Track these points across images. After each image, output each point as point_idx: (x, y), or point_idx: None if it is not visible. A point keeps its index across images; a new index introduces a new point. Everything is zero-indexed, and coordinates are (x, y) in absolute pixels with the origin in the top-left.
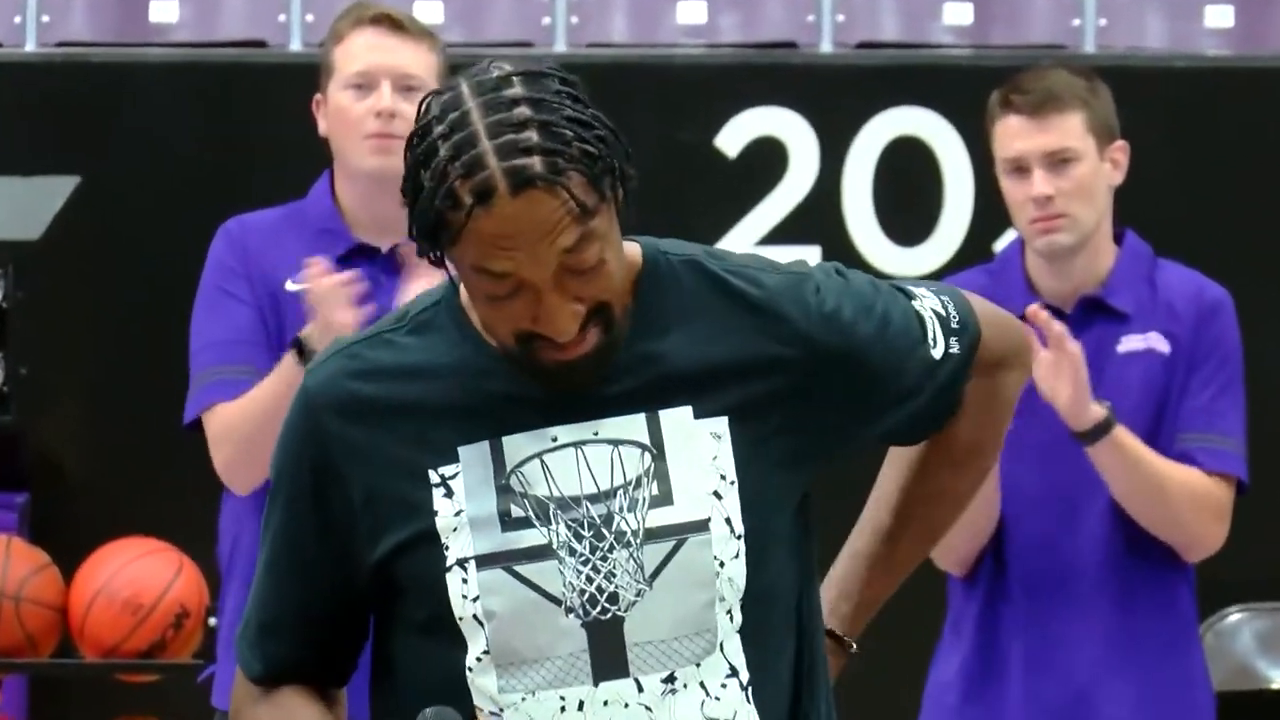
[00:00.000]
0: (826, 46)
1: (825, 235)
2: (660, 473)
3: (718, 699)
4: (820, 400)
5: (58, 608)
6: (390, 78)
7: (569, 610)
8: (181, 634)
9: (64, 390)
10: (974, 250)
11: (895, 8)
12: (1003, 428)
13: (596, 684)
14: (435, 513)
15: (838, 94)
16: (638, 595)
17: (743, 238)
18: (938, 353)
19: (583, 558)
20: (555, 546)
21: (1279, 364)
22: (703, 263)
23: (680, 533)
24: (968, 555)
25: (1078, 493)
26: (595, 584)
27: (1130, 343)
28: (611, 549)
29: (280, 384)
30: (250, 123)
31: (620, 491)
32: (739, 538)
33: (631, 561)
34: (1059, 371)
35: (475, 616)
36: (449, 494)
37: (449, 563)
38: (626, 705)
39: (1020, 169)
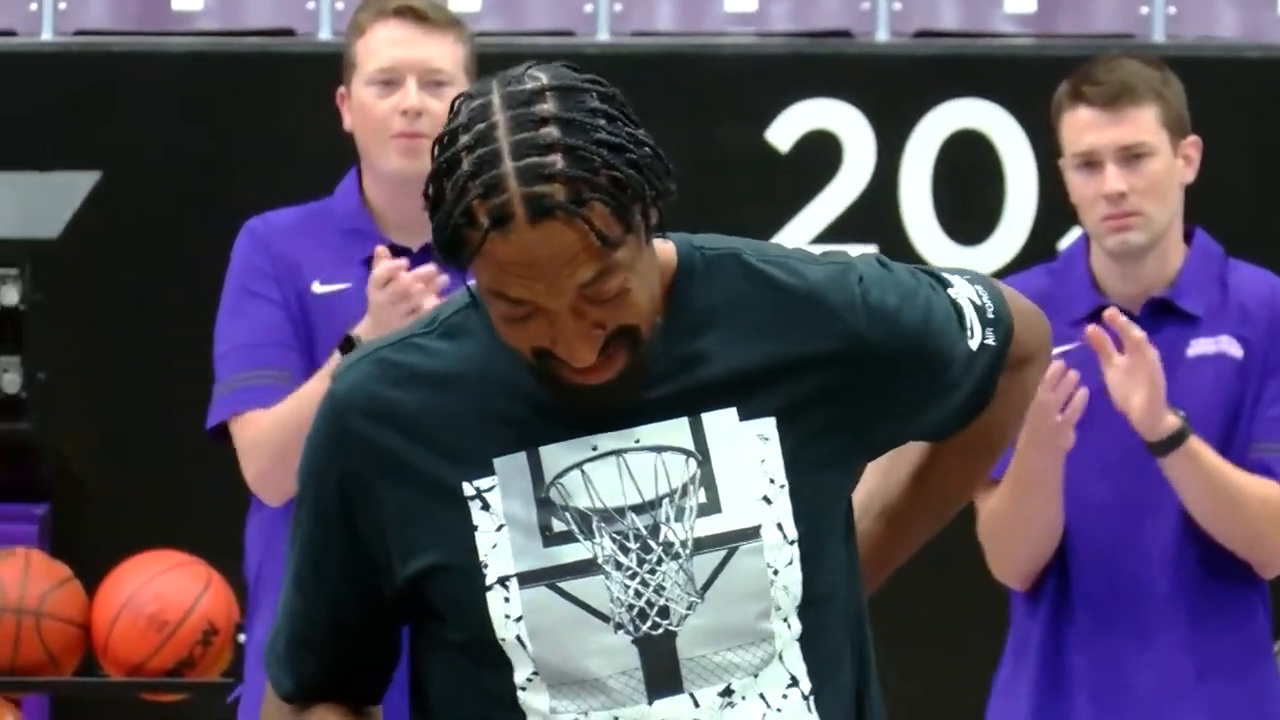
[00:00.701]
0: (883, 35)
1: (882, 233)
2: (707, 479)
3: (779, 710)
4: (867, 395)
5: (80, 624)
6: (415, 73)
7: (618, 626)
8: (210, 651)
9: (84, 396)
10: (1037, 249)
11: None
12: (1020, 419)
13: (651, 702)
14: (475, 528)
15: (894, 85)
16: (689, 608)
17: (795, 236)
18: (974, 344)
19: (630, 571)
20: (600, 561)
21: None
22: (742, 256)
23: (731, 541)
24: (1029, 570)
25: (1146, 506)
26: (644, 598)
27: (1201, 346)
28: (660, 561)
29: (313, 392)
30: (278, 115)
31: (666, 500)
32: (792, 543)
33: (681, 573)
34: (1134, 378)
35: (519, 638)
36: (486, 507)
37: (489, 582)
38: None
39: (1091, 164)
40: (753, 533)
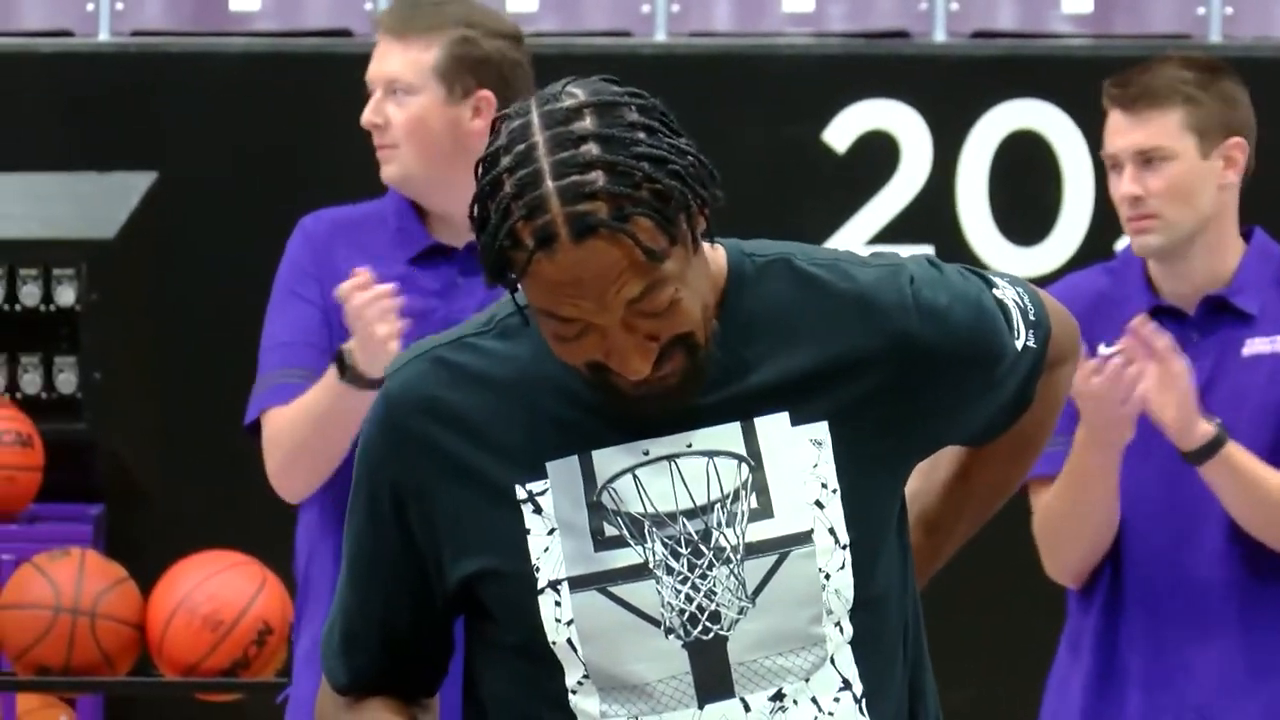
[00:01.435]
0: (940, 36)
1: (938, 234)
2: (759, 484)
3: (831, 714)
4: (919, 394)
5: (135, 624)
6: (381, 85)
7: (668, 631)
8: (264, 651)
9: (140, 397)
10: (1095, 250)
11: None
12: (1054, 419)
13: (702, 706)
14: (527, 531)
15: (951, 86)
16: (740, 613)
17: (852, 237)
18: (1020, 344)
19: (681, 576)
20: (652, 565)
21: None
22: (792, 261)
23: (782, 546)
24: (1084, 568)
25: (1199, 503)
26: (695, 603)
27: (1256, 345)
28: (711, 566)
29: (322, 396)
30: (335, 115)
31: (718, 506)
32: (844, 548)
33: (732, 578)
34: (1165, 387)
35: (570, 641)
36: (538, 511)
37: (540, 585)
38: None
39: (1116, 166)
40: (805, 537)
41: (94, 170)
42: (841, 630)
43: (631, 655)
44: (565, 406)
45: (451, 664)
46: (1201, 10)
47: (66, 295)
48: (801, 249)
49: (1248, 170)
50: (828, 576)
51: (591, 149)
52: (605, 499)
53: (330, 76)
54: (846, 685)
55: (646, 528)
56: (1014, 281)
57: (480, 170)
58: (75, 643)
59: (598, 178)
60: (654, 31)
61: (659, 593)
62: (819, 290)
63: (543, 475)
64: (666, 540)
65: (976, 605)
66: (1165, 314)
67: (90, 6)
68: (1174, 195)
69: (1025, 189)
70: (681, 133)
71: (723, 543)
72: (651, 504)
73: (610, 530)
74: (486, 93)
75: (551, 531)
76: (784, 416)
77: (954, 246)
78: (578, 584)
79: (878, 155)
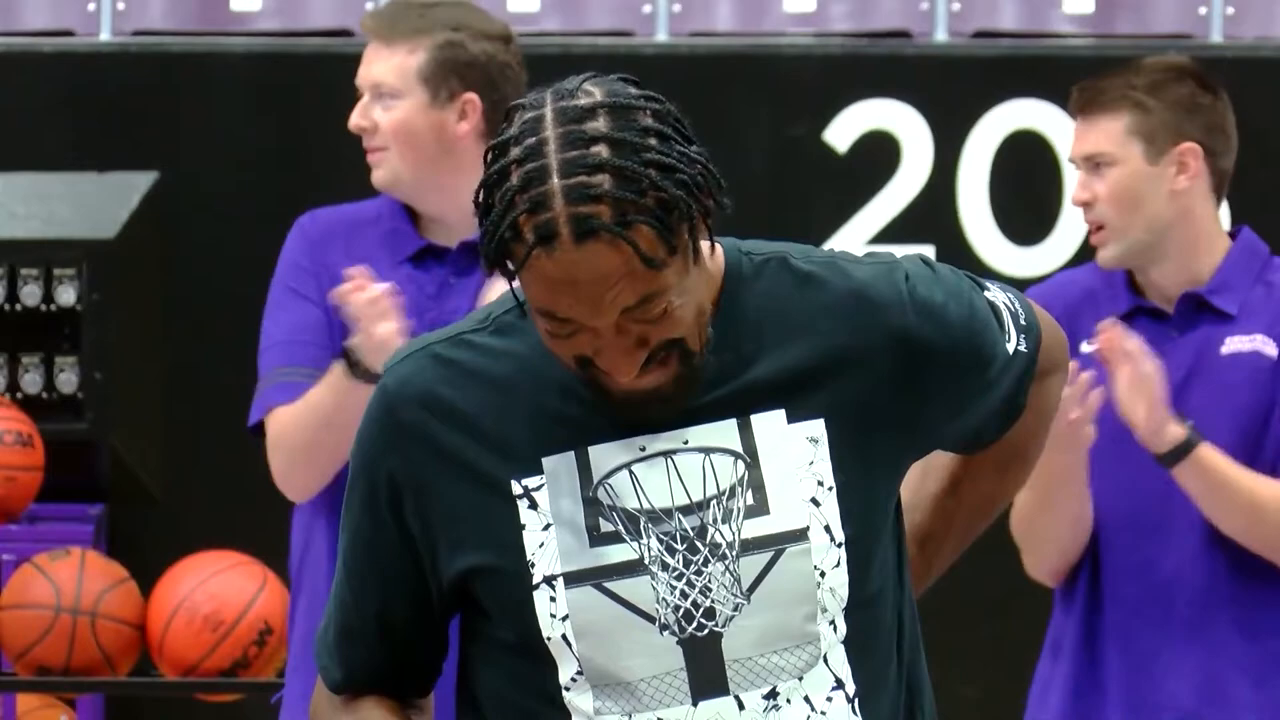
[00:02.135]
0: (941, 36)
1: (939, 233)
2: (755, 481)
3: (823, 713)
4: (914, 390)
5: (135, 624)
6: (367, 90)
7: (663, 627)
8: (265, 651)
9: (141, 397)
10: (1094, 249)
11: None
12: (1045, 431)
13: (696, 703)
14: (522, 526)
15: (953, 86)
16: (735, 610)
17: (853, 236)
18: (1011, 348)
19: (676, 572)
20: (647, 561)
21: None
22: (788, 259)
23: (778, 543)
24: (1059, 566)
25: (1174, 508)
26: (690, 599)
27: (1235, 344)
28: (706, 562)
29: (329, 393)
30: (336, 115)
31: (713, 502)
32: (839, 546)
33: (728, 575)
34: (1136, 389)
35: (564, 637)
36: (533, 506)
37: (535, 580)
38: None
39: (1078, 171)
40: (800, 535)
41: (95, 170)
42: (835, 629)
43: (626, 651)
44: (562, 402)
45: (445, 665)
46: (1203, 10)
47: (67, 295)
48: (797, 248)
49: (1222, 173)
50: (823, 574)
51: (602, 151)
52: (601, 495)
53: (331, 76)
54: (839, 685)
55: (642, 523)
56: (1004, 287)
57: (489, 157)
58: (76, 643)
59: (604, 181)
60: (655, 31)
61: (654, 589)
62: (815, 287)
63: (539, 471)
64: (662, 536)
65: (981, 603)
66: (1146, 313)
67: (92, 6)
68: (1117, 201)
69: (1026, 189)
70: (693, 140)
71: (718, 539)
72: (647, 500)
73: (606, 526)
74: (472, 96)
75: (547, 527)
76: (780, 414)
77: (955, 246)
78: (573, 579)
79: (879, 155)
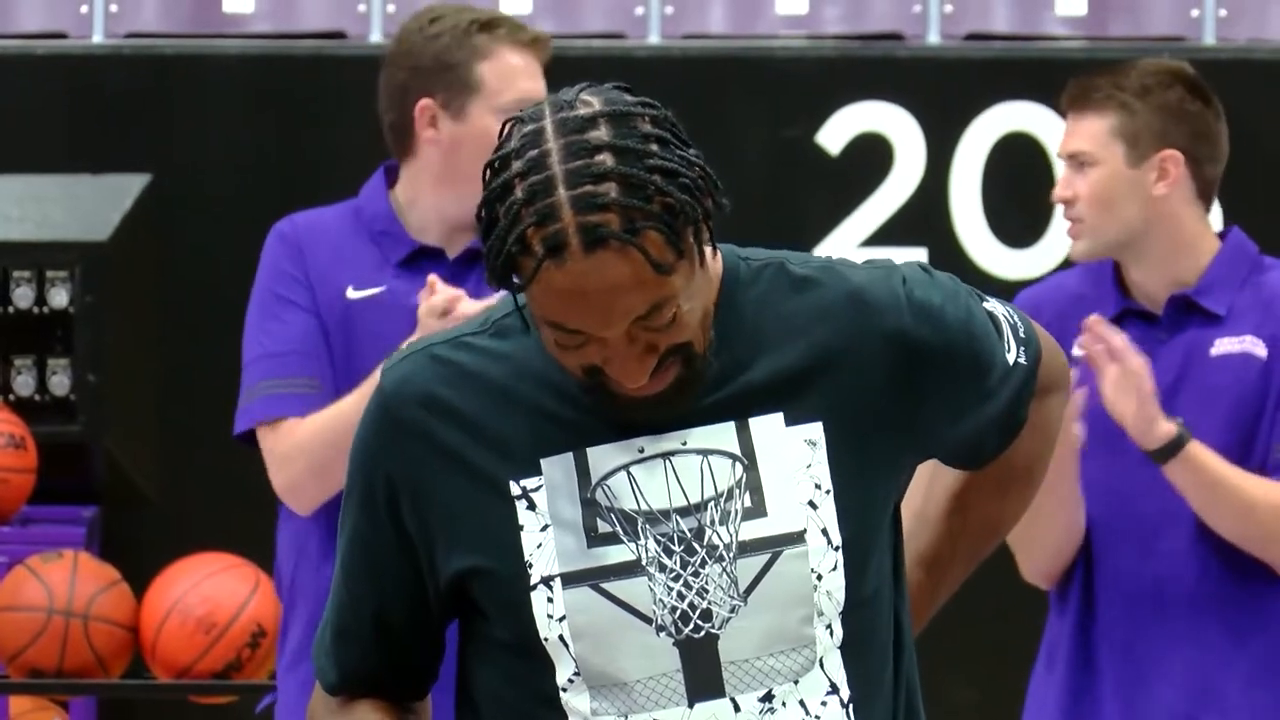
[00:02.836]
0: (934, 38)
1: (932, 236)
2: (752, 483)
3: (818, 717)
4: (912, 393)
5: (128, 626)
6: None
7: (660, 629)
8: (258, 654)
9: (134, 399)
10: None
11: None
12: (1049, 452)
13: (691, 705)
14: (521, 527)
15: (945, 88)
16: (732, 611)
17: (845, 239)
18: (1010, 358)
19: (673, 574)
20: (644, 563)
21: None
22: (785, 264)
23: (775, 545)
24: (1051, 569)
25: (1166, 507)
26: (687, 601)
27: (1224, 345)
28: (703, 564)
29: (358, 407)
30: (330, 118)
31: (711, 504)
32: (836, 549)
33: (725, 577)
34: (1123, 387)
35: (561, 637)
36: (531, 507)
37: (533, 581)
38: None
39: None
40: (797, 537)
41: (89, 172)
42: (831, 633)
43: (623, 652)
44: (560, 404)
45: (443, 668)
46: (1196, 12)
47: (60, 297)
48: (795, 255)
49: (1206, 178)
50: (819, 577)
51: (606, 160)
52: (599, 496)
53: (325, 78)
54: (834, 689)
55: (640, 524)
56: (1002, 301)
57: (488, 173)
58: (68, 645)
59: (611, 189)
60: (648, 33)
61: (651, 590)
62: (811, 290)
63: (537, 472)
64: (660, 537)
65: (979, 607)
66: (1135, 316)
67: (85, 9)
68: (1095, 201)
69: (1019, 191)
70: (690, 143)
71: (716, 541)
72: (645, 501)
73: (604, 527)
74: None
75: (545, 528)
76: (778, 417)
77: (947, 249)
78: (570, 580)
79: (871, 157)
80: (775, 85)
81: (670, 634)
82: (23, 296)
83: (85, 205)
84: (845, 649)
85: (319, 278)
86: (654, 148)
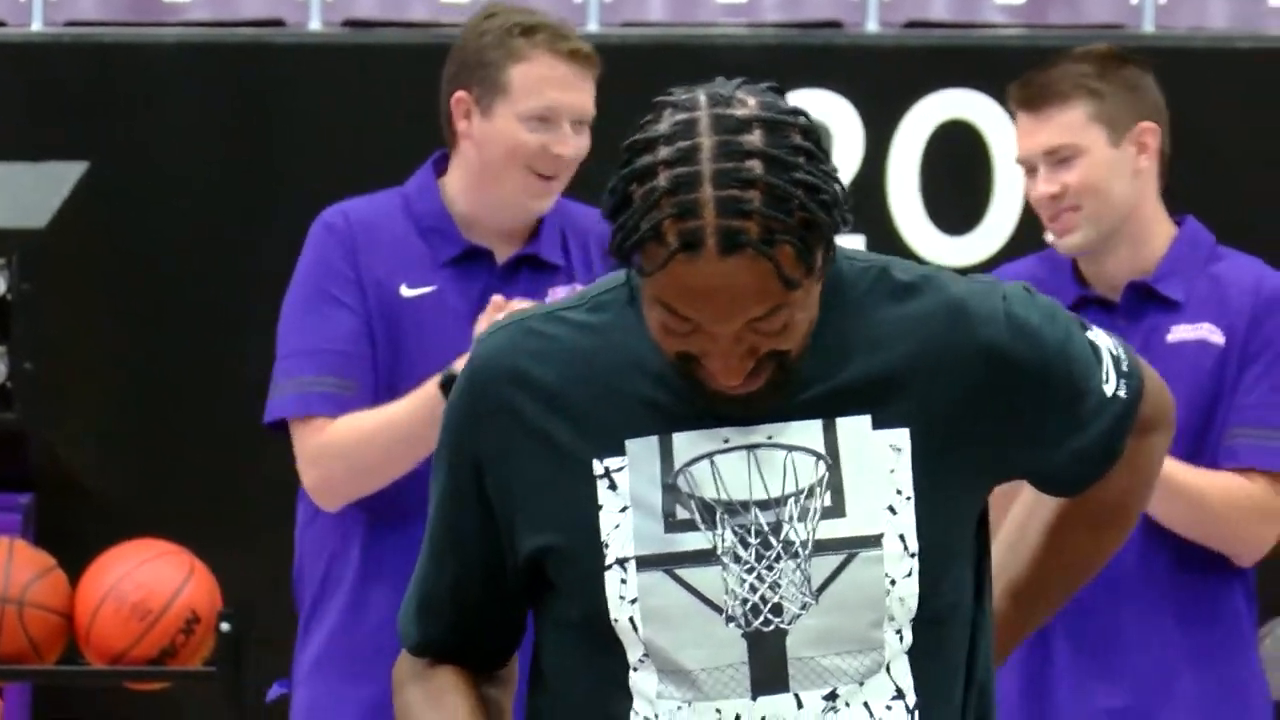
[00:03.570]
0: (872, 26)
1: (870, 223)
2: (834, 483)
3: None
4: (1002, 410)
5: (63, 613)
6: (571, 117)
7: (729, 619)
8: (192, 640)
9: (70, 387)
10: (1025, 239)
11: None
12: (1148, 491)
13: (755, 697)
14: (600, 507)
15: (884, 76)
16: (802, 608)
17: None
18: (1109, 389)
19: (748, 566)
20: (720, 552)
21: None
22: (890, 270)
23: (851, 547)
24: None
25: None
26: (759, 594)
27: (1180, 332)
28: (778, 559)
29: (415, 412)
30: (269, 106)
31: (791, 500)
32: (912, 556)
33: (798, 573)
34: None
35: (631, 620)
36: (613, 487)
37: (608, 561)
38: None
39: (1031, 170)
40: (874, 540)
41: (26, 160)
42: (901, 638)
43: (690, 639)
44: (651, 386)
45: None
46: (1135, 0)
47: None
48: (900, 260)
49: (1165, 155)
50: (893, 582)
51: (756, 166)
52: (681, 482)
53: (264, 66)
54: (900, 695)
55: (719, 514)
56: (1109, 333)
57: (630, 149)
58: (3, 631)
59: (756, 197)
60: (586, 21)
61: (724, 580)
62: (912, 298)
63: (621, 452)
64: (737, 529)
65: None
66: (1093, 304)
67: None
68: (1090, 189)
69: (957, 179)
70: (829, 157)
71: (792, 537)
72: (726, 491)
73: (682, 513)
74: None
75: (624, 509)
76: (866, 419)
77: (885, 236)
78: (645, 563)
79: None
80: (714, 73)
81: (739, 625)
82: None
83: (23, 193)
84: (914, 656)
85: (373, 276)
86: (801, 160)
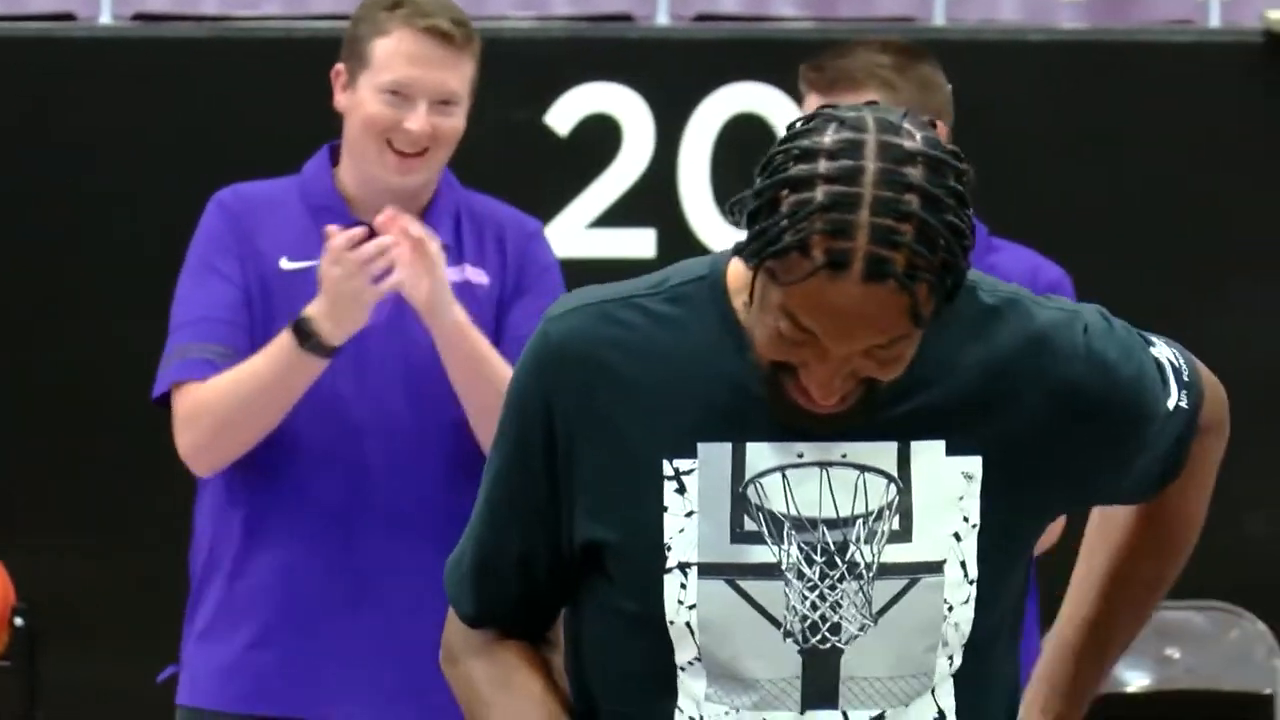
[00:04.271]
0: (663, 19)
1: (661, 217)
2: (904, 507)
3: None
4: (1074, 442)
5: None
6: (428, 95)
7: (787, 634)
8: None
9: None
10: None
11: None
12: (1207, 497)
13: (804, 712)
14: (665, 509)
15: (674, 69)
16: (861, 630)
17: (574, 220)
18: (1172, 403)
19: (810, 583)
20: (784, 567)
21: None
22: (976, 292)
23: (914, 572)
24: None
25: None
26: (819, 612)
27: None
28: (842, 579)
29: (270, 364)
30: (58, 100)
31: (860, 521)
32: (971, 583)
33: (860, 594)
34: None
35: (688, 624)
36: (681, 490)
37: (669, 565)
38: None
39: None
40: (937, 567)
41: None
42: (951, 663)
43: (746, 650)
44: (726, 391)
45: None
46: None
47: None
48: (986, 280)
49: None
50: (950, 609)
51: (914, 201)
52: (750, 493)
53: (53, 60)
54: (941, 716)
55: (786, 529)
56: (1169, 342)
57: (784, 153)
58: None
59: (909, 231)
60: None
61: (786, 595)
62: (996, 323)
63: (693, 454)
64: (804, 545)
65: None
66: None
67: None
68: None
69: (748, 172)
70: (971, 204)
71: (858, 558)
72: (796, 507)
73: (750, 525)
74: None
75: (690, 514)
76: (940, 445)
77: (676, 231)
78: (707, 571)
79: (600, 139)
80: (504, 66)
81: (797, 641)
82: None
83: None
84: (960, 679)
85: (254, 248)
86: (953, 203)
